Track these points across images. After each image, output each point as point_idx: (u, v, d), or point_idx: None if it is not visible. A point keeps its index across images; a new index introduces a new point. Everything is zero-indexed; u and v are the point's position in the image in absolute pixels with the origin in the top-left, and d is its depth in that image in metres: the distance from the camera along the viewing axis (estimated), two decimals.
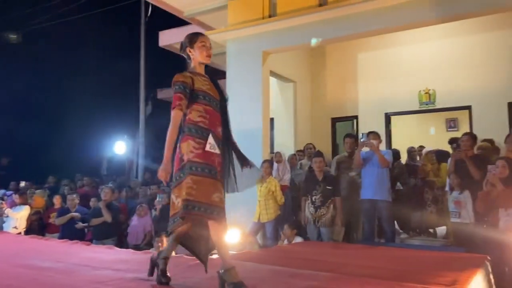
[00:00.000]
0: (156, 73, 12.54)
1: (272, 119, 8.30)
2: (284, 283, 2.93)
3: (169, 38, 10.14)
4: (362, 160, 5.63)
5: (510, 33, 6.91)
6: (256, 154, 6.56)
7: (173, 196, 2.74)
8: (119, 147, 13.15)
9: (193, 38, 2.90)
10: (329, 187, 5.40)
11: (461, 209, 4.88)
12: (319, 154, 5.74)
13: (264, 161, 6.17)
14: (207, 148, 2.68)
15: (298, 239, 5.40)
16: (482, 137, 6.00)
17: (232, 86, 6.99)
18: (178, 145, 2.75)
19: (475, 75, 7.20)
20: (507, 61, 6.94)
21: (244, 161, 2.89)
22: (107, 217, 6.41)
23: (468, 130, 7.17)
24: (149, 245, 6.39)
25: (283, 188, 6.11)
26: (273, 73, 7.55)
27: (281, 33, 6.62)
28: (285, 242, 5.41)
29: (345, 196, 5.68)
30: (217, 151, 2.74)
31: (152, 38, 11.18)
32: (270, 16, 6.76)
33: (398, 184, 7.04)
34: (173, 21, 8.81)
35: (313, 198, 5.43)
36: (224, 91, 2.96)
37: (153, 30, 11.13)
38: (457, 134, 6.65)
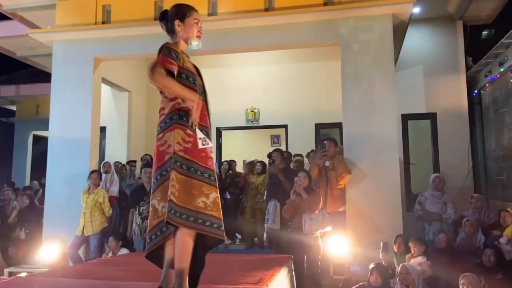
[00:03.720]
0: None
1: (104, 128, 8.00)
2: None
3: None
4: None
5: (323, 65, 8.11)
6: (83, 163, 6.28)
7: (154, 201, 2.26)
8: None
9: (185, 11, 2.46)
10: None
11: (271, 216, 5.54)
12: (148, 164, 5.79)
13: (92, 172, 5.94)
14: (200, 145, 2.25)
15: (124, 251, 5.32)
16: (295, 153, 6.92)
17: (58, 91, 6.57)
18: (160, 135, 2.27)
19: (292, 99, 8.26)
20: (316, 88, 8.16)
21: None
22: None
23: (286, 146, 8.18)
24: None
25: (110, 199, 5.95)
26: (106, 81, 7.31)
27: (115, 41, 6.49)
28: (110, 254, 5.28)
29: None
30: (210, 144, 2.31)
31: None
32: (103, 23, 6.58)
33: (227, 193, 7.55)
34: None
35: (141, 209, 5.44)
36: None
37: None
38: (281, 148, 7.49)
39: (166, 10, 2.52)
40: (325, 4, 5.91)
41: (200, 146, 2.26)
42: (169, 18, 2.47)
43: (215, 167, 2.37)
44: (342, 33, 5.81)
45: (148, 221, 2.35)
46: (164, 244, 2.32)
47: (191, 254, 2.26)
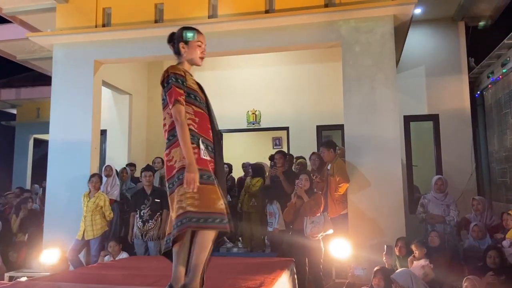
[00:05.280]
0: None
1: (104, 131, 7.99)
2: None
3: None
4: None
5: (324, 66, 8.10)
6: (83, 167, 6.26)
7: (170, 210, 2.49)
8: None
9: (189, 34, 2.65)
10: (158, 200, 5.46)
11: (273, 219, 5.50)
12: (149, 168, 5.77)
13: (93, 175, 5.91)
14: (202, 155, 2.43)
15: (124, 255, 5.29)
16: (297, 155, 6.88)
17: (59, 94, 6.55)
18: (167, 150, 2.48)
19: (293, 100, 8.23)
20: (317, 90, 8.13)
21: None
22: None
23: (287, 149, 8.14)
24: None
25: (110, 202, 5.92)
26: (106, 84, 7.30)
27: (115, 43, 6.48)
28: (106, 258, 5.26)
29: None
30: (208, 157, 2.49)
31: None
32: (103, 26, 6.56)
33: (229, 196, 7.51)
34: None
35: (142, 212, 5.42)
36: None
37: None
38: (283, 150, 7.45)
39: (173, 33, 2.69)
40: (326, 5, 5.89)
41: (202, 156, 2.43)
42: (175, 41, 2.66)
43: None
44: (343, 34, 5.78)
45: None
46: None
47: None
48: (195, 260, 2.45)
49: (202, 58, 2.68)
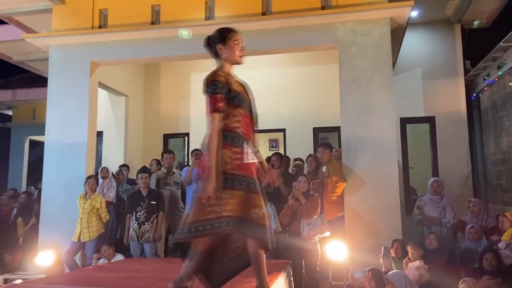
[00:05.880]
0: None
1: (101, 132, 7.96)
2: None
3: None
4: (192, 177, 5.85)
5: (321, 68, 8.08)
6: (79, 168, 6.24)
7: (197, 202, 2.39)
8: None
9: (225, 34, 2.59)
10: (154, 202, 5.45)
11: (272, 220, 5.47)
12: (144, 170, 5.75)
13: (89, 177, 5.89)
14: (246, 159, 2.41)
15: (119, 257, 5.27)
16: (294, 157, 6.88)
17: (55, 96, 6.53)
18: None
19: (290, 102, 8.22)
20: (314, 92, 8.13)
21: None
22: None
23: (284, 150, 8.14)
24: None
25: (106, 204, 5.90)
26: (102, 85, 7.28)
27: (112, 45, 6.46)
28: (100, 261, 5.24)
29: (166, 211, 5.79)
30: (255, 160, 2.47)
31: None
32: (100, 27, 6.55)
33: None
34: None
35: (138, 214, 5.39)
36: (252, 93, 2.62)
37: None
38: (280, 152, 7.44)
39: (209, 36, 2.65)
40: (323, 7, 5.90)
41: (246, 161, 2.41)
42: (212, 43, 2.61)
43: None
44: (340, 36, 5.79)
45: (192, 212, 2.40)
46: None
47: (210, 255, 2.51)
48: (261, 281, 2.51)
49: (241, 57, 2.61)
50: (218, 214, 2.32)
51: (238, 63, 2.62)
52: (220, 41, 2.58)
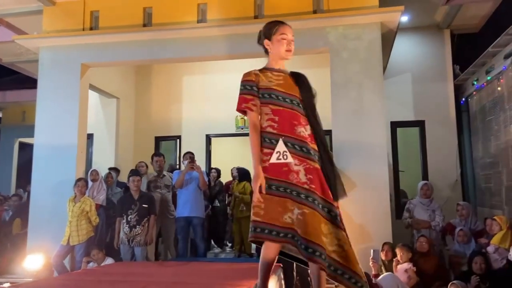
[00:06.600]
0: None
1: (91, 135, 7.91)
2: None
3: None
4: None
5: (312, 72, 7.72)
6: (69, 171, 6.19)
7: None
8: None
9: (271, 28, 2.51)
10: (145, 205, 5.42)
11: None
12: (136, 172, 5.72)
13: (79, 179, 5.84)
14: (273, 160, 2.29)
15: (109, 261, 5.23)
16: None
17: (45, 97, 6.48)
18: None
19: None
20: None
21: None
22: None
23: None
24: None
25: (96, 207, 5.85)
26: (93, 87, 7.24)
27: (103, 47, 6.43)
28: (90, 265, 5.20)
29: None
30: (289, 159, 2.29)
31: None
32: (91, 29, 6.52)
33: (216, 201, 7.50)
34: None
35: (129, 217, 5.36)
36: (310, 86, 2.51)
37: None
38: None
39: (260, 31, 2.58)
40: (315, 12, 5.94)
41: (271, 161, 2.30)
42: (261, 39, 2.56)
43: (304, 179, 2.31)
44: (331, 40, 5.83)
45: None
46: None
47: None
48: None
49: (289, 51, 2.50)
50: (251, 218, 2.32)
51: (284, 58, 2.53)
52: (266, 36, 2.53)
